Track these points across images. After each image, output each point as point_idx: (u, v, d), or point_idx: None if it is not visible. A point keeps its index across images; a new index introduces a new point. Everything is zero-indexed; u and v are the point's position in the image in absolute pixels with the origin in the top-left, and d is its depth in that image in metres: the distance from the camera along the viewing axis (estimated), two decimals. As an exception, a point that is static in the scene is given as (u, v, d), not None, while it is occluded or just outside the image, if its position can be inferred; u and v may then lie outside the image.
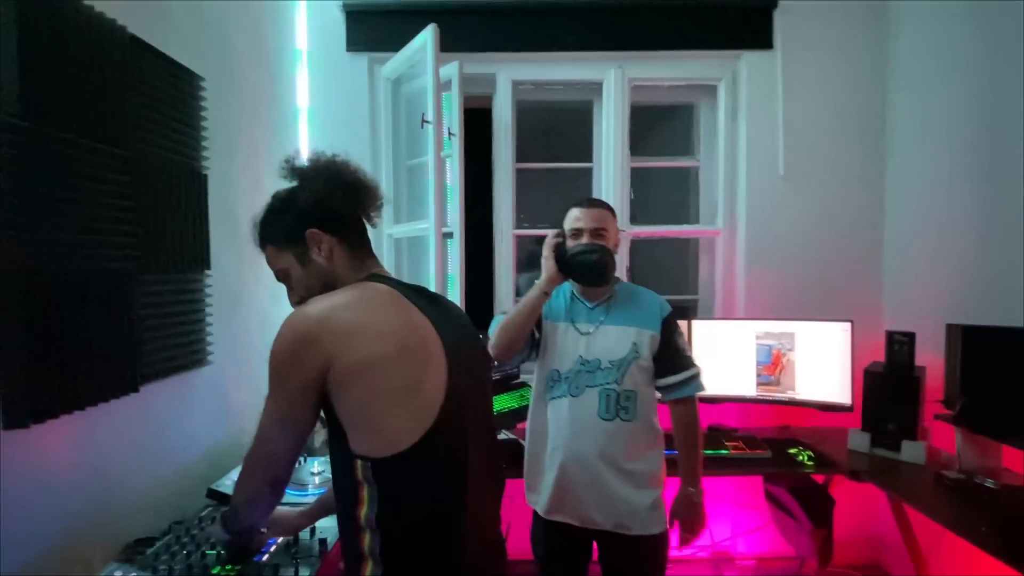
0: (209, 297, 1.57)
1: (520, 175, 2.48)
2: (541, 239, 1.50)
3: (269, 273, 0.96)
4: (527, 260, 2.62)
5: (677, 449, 1.44)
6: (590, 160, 2.53)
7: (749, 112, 2.37)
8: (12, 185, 0.94)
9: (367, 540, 0.78)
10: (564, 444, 1.39)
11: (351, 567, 0.81)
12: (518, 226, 2.49)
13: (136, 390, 1.24)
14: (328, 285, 0.87)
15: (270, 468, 0.85)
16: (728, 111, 2.41)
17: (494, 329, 1.48)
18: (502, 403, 2.03)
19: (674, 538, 1.46)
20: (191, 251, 1.49)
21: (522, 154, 2.47)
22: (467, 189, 2.12)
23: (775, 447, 1.94)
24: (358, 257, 0.92)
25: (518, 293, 2.48)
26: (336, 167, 0.91)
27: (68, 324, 1.05)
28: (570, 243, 1.43)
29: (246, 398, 1.77)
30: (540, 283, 1.41)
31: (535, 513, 1.49)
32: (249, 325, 1.84)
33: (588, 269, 1.38)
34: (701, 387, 1.44)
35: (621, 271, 2.33)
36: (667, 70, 2.40)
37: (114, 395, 1.18)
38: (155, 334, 1.33)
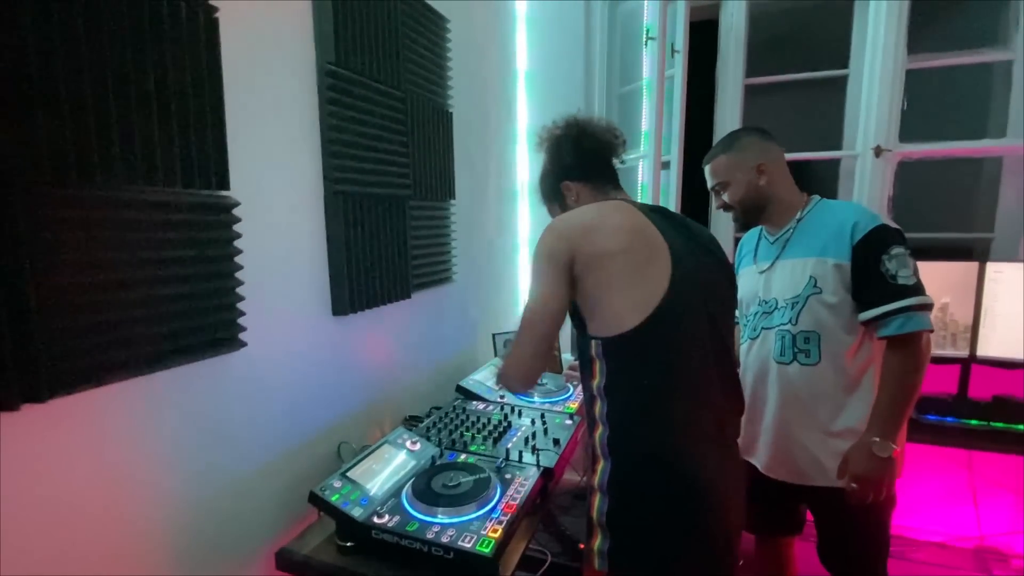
0: (454, 224, 1.79)
1: (749, 95, 2.20)
2: None
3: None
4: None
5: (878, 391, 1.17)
6: (843, 67, 2.09)
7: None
8: (335, 122, 1.18)
9: (598, 406, 0.94)
10: (748, 388, 1.29)
11: (590, 429, 0.99)
12: (744, 152, 2.22)
13: (409, 296, 1.51)
14: None
15: (535, 342, 0.98)
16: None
17: None
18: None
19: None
20: (442, 182, 1.70)
21: (750, 69, 2.19)
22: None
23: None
24: (600, 191, 1.11)
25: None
26: (576, 128, 1.10)
27: (369, 238, 1.32)
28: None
29: (477, 314, 2.02)
30: None
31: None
32: (481, 251, 2.06)
33: None
34: (920, 323, 1.10)
35: (881, 201, 1.96)
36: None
37: (398, 297, 1.46)
38: (419, 252, 1.58)
